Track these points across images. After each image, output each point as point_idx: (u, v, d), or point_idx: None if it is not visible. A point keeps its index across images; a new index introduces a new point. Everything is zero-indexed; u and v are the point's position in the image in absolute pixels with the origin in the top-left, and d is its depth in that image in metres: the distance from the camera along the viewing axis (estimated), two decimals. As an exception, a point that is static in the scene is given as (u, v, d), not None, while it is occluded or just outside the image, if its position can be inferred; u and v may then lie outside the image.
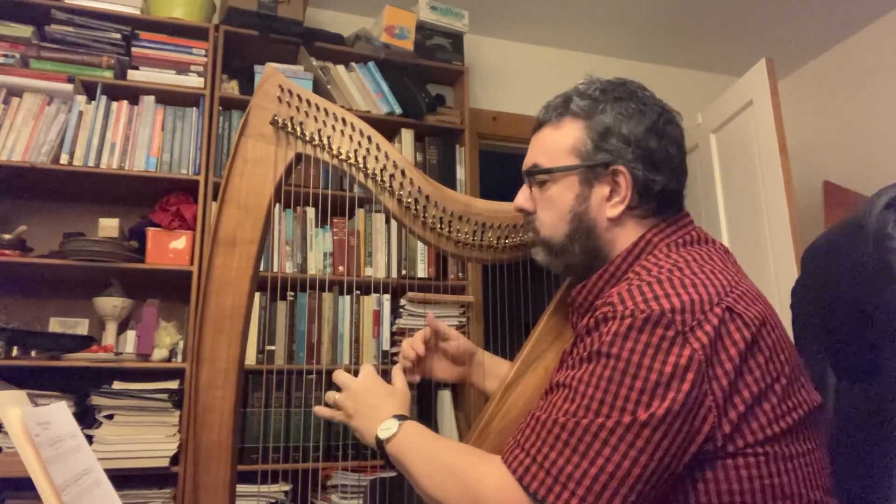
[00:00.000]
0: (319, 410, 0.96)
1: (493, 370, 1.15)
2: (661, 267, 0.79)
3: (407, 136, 2.37)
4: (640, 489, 0.68)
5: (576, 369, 0.74)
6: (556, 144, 0.89)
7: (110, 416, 1.79)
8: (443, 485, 0.77)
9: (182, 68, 2.13)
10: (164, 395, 1.84)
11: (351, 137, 1.04)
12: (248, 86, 2.25)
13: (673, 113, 0.90)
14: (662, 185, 0.85)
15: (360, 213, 2.26)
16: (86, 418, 1.80)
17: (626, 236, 0.87)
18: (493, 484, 0.73)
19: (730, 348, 0.71)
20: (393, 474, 1.99)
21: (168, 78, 2.10)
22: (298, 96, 1.03)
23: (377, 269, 2.23)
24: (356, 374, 0.97)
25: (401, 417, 0.87)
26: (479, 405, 2.21)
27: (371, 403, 0.91)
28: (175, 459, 1.83)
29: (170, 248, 2.01)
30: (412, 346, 1.10)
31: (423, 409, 2.18)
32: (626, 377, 0.69)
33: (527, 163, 0.93)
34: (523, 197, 0.94)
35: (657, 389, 0.68)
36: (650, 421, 0.67)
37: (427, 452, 0.82)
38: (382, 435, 0.85)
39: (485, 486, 0.74)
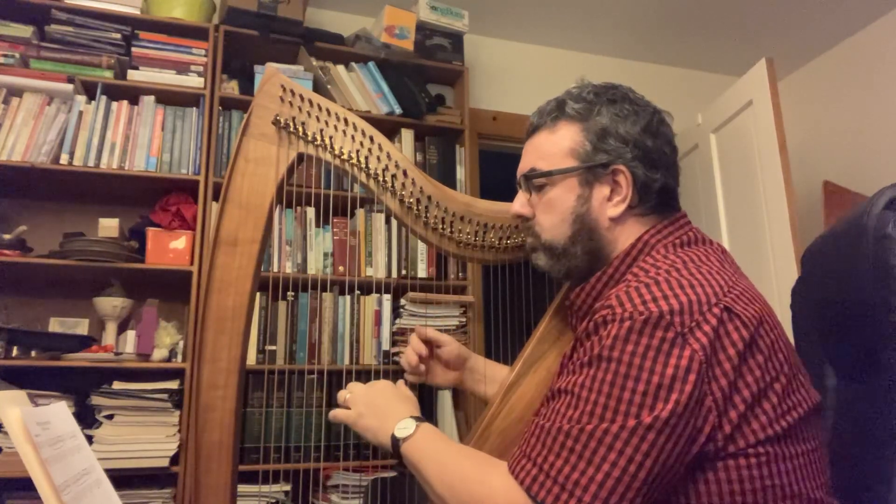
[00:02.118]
0: (334, 415, 0.95)
1: (492, 375, 1.15)
2: (659, 268, 0.79)
3: (407, 136, 2.37)
4: (645, 492, 0.68)
5: (577, 374, 0.74)
6: (554, 147, 0.90)
7: (110, 416, 1.79)
8: (452, 491, 0.77)
9: (182, 68, 2.13)
10: (164, 395, 1.84)
11: (353, 137, 1.04)
12: (248, 86, 2.25)
13: (663, 113, 0.91)
14: (661, 183, 0.87)
15: (360, 212, 2.26)
16: (86, 418, 1.80)
17: (627, 235, 0.87)
18: (501, 494, 0.73)
19: (729, 348, 0.71)
20: (393, 474, 1.99)
21: (168, 78, 2.10)
22: (300, 96, 1.03)
23: (377, 269, 2.23)
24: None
25: (418, 419, 0.87)
26: (479, 406, 2.21)
27: (384, 404, 0.92)
28: (175, 459, 1.83)
29: (170, 248, 2.01)
30: (414, 349, 1.12)
31: (423, 409, 2.17)
32: (629, 381, 0.69)
33: (523, 168, 0.93)
34: (520, 203, 0.94)
35: (660, 392, 0.68)
36: (655, 424, 0.67)
37: (440, 457, 0.82)
38: (400, 434, 0.86)
39: (494, 495, 0.74)
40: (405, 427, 0.86)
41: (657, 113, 0.90)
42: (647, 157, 0.86)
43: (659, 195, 0.87)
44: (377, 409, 0.91)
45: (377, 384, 0.96)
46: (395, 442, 0.86)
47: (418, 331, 1.13)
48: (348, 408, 0.94)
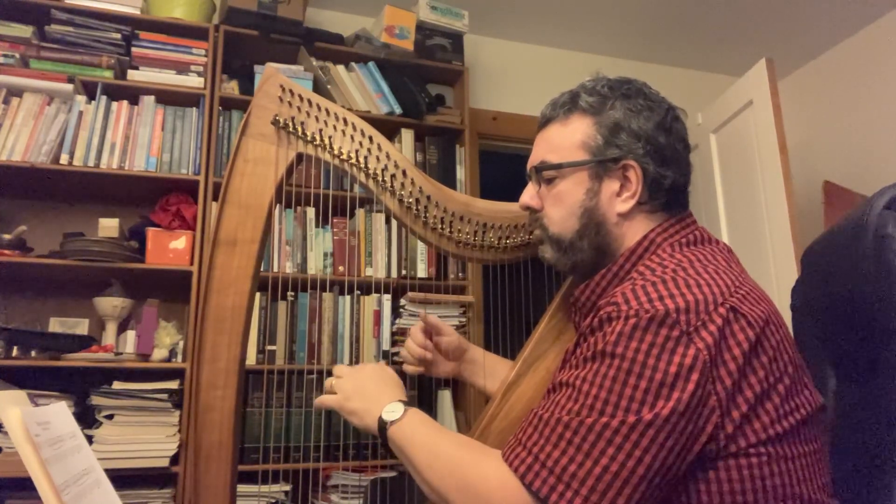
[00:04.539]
0: (320, 400, 0.95)
1: (492, 369, 1.15)
2: (665, 267, 0.79)
3: (407, 136, 2.37)
4: (644, 489, 0.68)
5: (580, 369, 0.74)
6: (565, 140, 0.89)
7: (110, 416, 1.79)
8: (443, 478, 0.77)
9: (182, 68, 2.13)
10: (164, 395, 1.84)
11: (352, 137, 1.04)
12: (248, 86, 2.25)
13: (678, 110, 0.91)
14: (672, 180, 0.87)
15: (360, 213, 2.26)
16: (86, 418, 1.80)
17: (634, 231, 0.87)
18: (494, 481, 0.73)
19: (734, 348, 0.70)
20: (393, 474, 1.99)
21: (168, 78, 2.10)
22: (300, 96, 1.03)
23: (377, 269, 2.23)
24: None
25: (406, 403, 0.86)
26: (479, 405, 2.21)
27: (371, 387, 0.90)
28: (175, 459, 1.82)
29: (170, 248, 2.01)
30: (415, 341, 1.12)
31: (423, 409, 2.18)
32: (631, 377, 0.69)
33: (533, 159, 0.93)
34: (529, 195, 0.94)
35: (662, 389, 0.68)
36: (655, 421, 0.67)
37: (430, 442, 0.81)
38: (387, 417, 0.84)
39: (486, 483, 0.73)
40: (393, 410, 0.85)
41: (671, 110, 0.89)
42: (658, 154, 0.86)
43: (669, 192, 0.87)
44: (364, 393, 0.90)
45: (364, 367, 0.94)
46: (383, 425, 0.84)
47: (422, 316, 1.13)
48: (335, 393, 0.93)
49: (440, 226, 1.04)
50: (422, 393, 2.19)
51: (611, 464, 0.67)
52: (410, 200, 1.03)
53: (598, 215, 0.87)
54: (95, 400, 1.79)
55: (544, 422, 0.73)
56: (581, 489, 0.67)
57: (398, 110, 2.35)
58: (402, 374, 1.05)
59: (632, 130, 0.86)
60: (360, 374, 0.93)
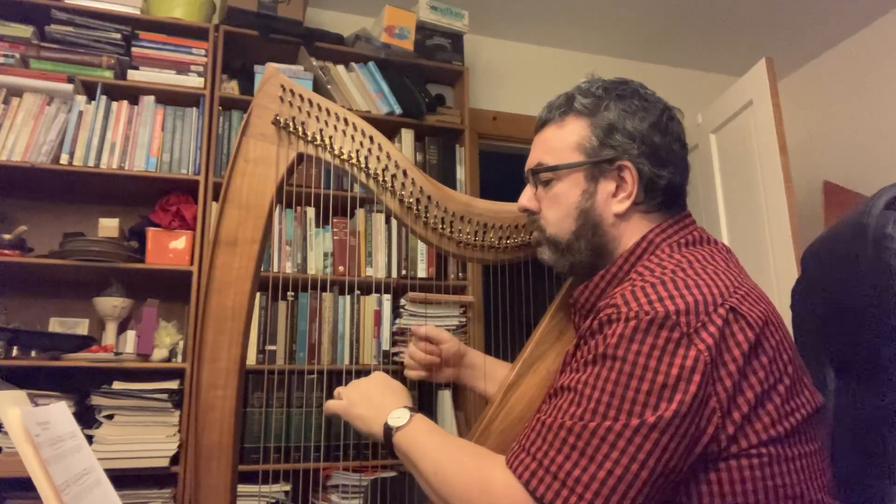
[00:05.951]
0: (327, 405, 0.95)
1: (492, 372, 1.15)
2: (664, 268, 0.79)
3: (407, 136, 2.37)
4: (647, 491, 0.68)
5: (581, 372, 0.74)
6: (561, 142, 0.89)
7: (110, 416, 1.79)
8: (448, 484, 0.77)
9: (182, 68, 2.13)
10: (164, 395, 1.84)
11: (353, 137, 1.04)
12: (248, 86, 2.25)
13: (674, 110, 0.91)
14: (668, 180, 0.86)
15: (360, 212, 2.26)
16: (86, 418, 1.80)
17: (631, 232, 0.87)
18: (499, 488, 0.73)
19: (734, 349, 0.70)
20: (393, 474, 1.99)
21: (168, 78, 2.10)
22: (300, 96, 1.03)
23: (377, 269, 2.23)
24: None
25: (412, 409, 0.87)
26: (479, 405, 2.21)
27: (378, 394, 0.91)
28: (175, 459, 1.83)
29: (170, 248, 2.01)
30: (418, 347, 1.12)
31: (423, 409, 2.18)
32: (633, 380, 0.69)
33: (530, 162, 0.93)
34: (527, 197, 0.94)
35: (664, 391, 0.68)
36: (658, 423, 0.67)
37: (435, 449, 0.81)
38: (393, 423, 0.85)
39: (491, 489, 0.74)
40: (399, 416, 0.85)
41: (667, 110, 0.89)
42: (654, 154, 0.86)
43: (665, 192, 0.87)
44: (370, 399, 0.91)
45: (371, 376, 0.95)
46: (388, 431, 0.85)
47: (415, 331, 1.13)
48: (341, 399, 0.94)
49: (441, 226, 1.04)
50: (422, 393, 2.19)
51: (615, 468, 0.67)
52: (411, 200, 1.03)
53: (595, 216, 0.87)
54: (95, 400, 1.79)
55: (547, 427, 0.73)
56: (585, 493, 0.68)
57: (398, 110, 2.35)
58: (404, 378, 1.05)
59: (626, 131, 0.86)
60: (366, 382, 0.94)
